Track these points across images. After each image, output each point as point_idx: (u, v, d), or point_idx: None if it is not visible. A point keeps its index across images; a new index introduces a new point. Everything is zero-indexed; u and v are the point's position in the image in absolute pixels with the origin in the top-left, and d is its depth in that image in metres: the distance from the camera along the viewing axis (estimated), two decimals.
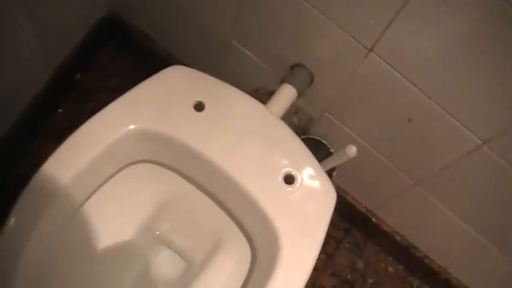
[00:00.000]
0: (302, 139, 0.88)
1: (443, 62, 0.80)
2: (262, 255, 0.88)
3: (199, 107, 0.85)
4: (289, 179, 0.84)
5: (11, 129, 1.18)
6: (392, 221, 1.34)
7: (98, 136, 0.79)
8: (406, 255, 1.38)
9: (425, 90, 0.87)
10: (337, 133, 1.12)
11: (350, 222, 1.46)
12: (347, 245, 1.46)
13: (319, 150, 1.13)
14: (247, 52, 1.11)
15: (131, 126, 0.81)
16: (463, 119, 0.87)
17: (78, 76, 1.37)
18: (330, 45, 0.94)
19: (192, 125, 0.83)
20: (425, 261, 1.35)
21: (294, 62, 1.02)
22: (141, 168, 0.93)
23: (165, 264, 1.04)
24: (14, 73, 1.10)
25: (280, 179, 0.83)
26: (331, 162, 0.96)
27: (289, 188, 0.83)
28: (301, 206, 0.82)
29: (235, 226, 0.96)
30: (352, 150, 0.89)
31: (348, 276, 1.43)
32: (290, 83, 0.99)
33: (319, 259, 1.36)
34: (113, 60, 1.43)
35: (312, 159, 0.87)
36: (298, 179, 0.84)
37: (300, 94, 1.00)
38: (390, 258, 1.47)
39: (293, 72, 1.02)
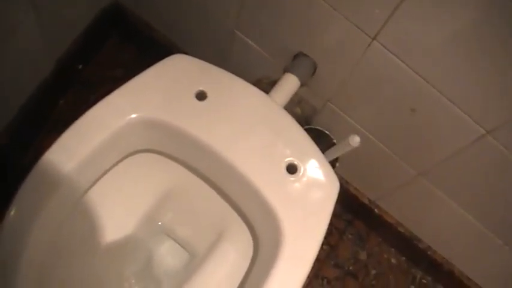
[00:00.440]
0: (305, 129, 0.88)
1: (447, 50, 0.80)
2: (264, 245, 0.88)
3: (201, 96, 0.84)
4: (292, 169, 0.83)
5: (13, 120, 1.18)
6: (395, 212, 1.34)
7: (100, 124, 0.79)
8: (409, 247, 1.38)
9: (428, 80, 0.87)
10: (340, 123, 1.11)
11: (353, 213, 1.46)
12: (350, 236, 1.46)
13: (322, 141, 1.13)
14: (250, 42, 1.11)
15: (133, 115, 0.81)
16: (467, 109, 0.87)
17: (80, 67, 1.36)
18: (332, 34, 0.93)
19: (194, 114, 0.83)
20: (428, 252, 1.35)
21: (296, 52, 1.02)
22: (143, 158, 0.93)
23: (168, 255, 1.04)
24: (16, 64, 1.10)
25: (283, 169, 0.83)
26: (334, 153, 0.96)
27: (292, 177, 0.83)
28: (304, 196, 0.82)
29: (237, 216, 0.96)
30: (355, 140, 0.88)
31: (351, 268, 1.43)
32: (293, 73, 0.99)
33: (322, 250, 1.37)
34: (116, 51, 1.43)
35: (315, 149, 0.86)
36: (301, 169, 0.84)
37: (302, 84, 1.00)
38: (393, 249, 1.47)
39: (296, 61, 1.02)
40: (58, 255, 0.83)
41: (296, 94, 1.00)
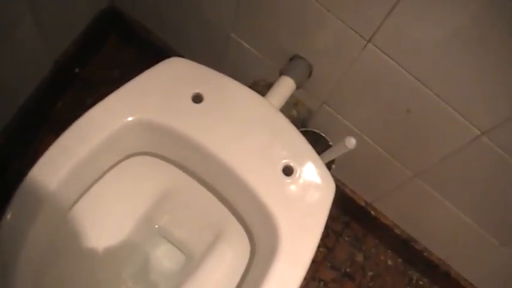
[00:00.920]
0: (301, 132, 0.88)
1: (442, 52, 0.80)
2: (261, 247, 0.88)
3: (197, 98, 0.84)
4: (288, 171, 0.84)
5: (12, 122, 1.18)
6: (391, 214, 1.34)
7: (98, 127, 0.79)
8: (405, 248, 1.38)
9: (424, 81, 0.87)
10: (336, 126, 1.12)
11: (349, 216, 1.46)
12: (346, 238, 1.46)
13: (318, 143, 1.13)
14: (246, 44, 1.11)
15: (131, 118, 0.81)
16: (462, 110, 0.87)
17: (77, 70, 1.36)
18: (328, 37, 0.93)
19: (190, 116, 0.83)
20: (425, 254, 1.35)
21: (292, 54, 1.02)
22: (140, 160, 0.93)
23: (164, 257, 1.04)
24: (14, 65, 1.10)
25: (279, 171, 0.83)
26: (330, 155, 0.96)
27: (288, 179, 0.83)
28: (301, 198, 0.82)
29: (234, 218, 0.96)
30: (351, 142, 0.89)
31: (348, 269, 1.43)
32: (289, 75, 0.99)
33: (318, 252, 1.38)
34: (113, 53, 1.43)
35: (311, 151, 0.87)
36: (298, 171, 0.84)
37: (298, 86, 1.00)
38: (390, 251, 1.47)
39: (292, 64, 1.02)
40: (55, 257, 0.83)
41: (292, 96, 1.00)
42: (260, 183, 0.82)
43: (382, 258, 1.46)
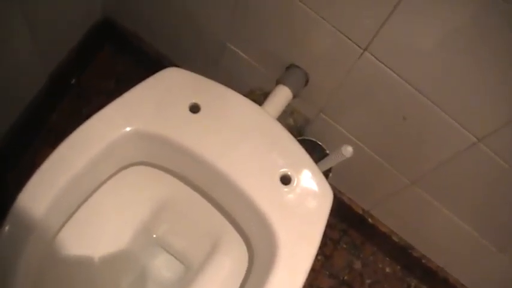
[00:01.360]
0: (298, 140, 0.88)
1: (438, 60, 0.81)
2: (259, 256, 0.88)
3: (194, 108, 0.85)
4: (286, 180, 0.84)
5: (7, 133, 1.18)
6: (389, 221, 1.34)
7: (94, 138, 0.79)
8: (403, 255, 1.38)
9: (420, 89, 0.87)
10: (333, 134, 1.12)
11: (347, 223, 1.46)
12: (344, 246, 1.46)
13: (315, 152, 1.13)
14: (242, 53, 1.11)
15: (127, 129, 0.81)
16: (458, 117, 0.88)
17: (73, 81, 1.36)
18: (324, 46, 0.94)
19: (188, 126, 0.83)
20: (423, 261, 1.35)
21: (289, 63, 1.03)
22: (137, 170, 0.93)
23: (163, 267, 1.03)
24: (9, 78, 1.09)
25: (277, 180, 0.83)
26: (327, 163, 0.96)
27: (286, 188, 0.83)
28: (298, 207, 0.82)
29: (232, 228, 0.96)
30: (348, 150, 0.89)
31: (346, 277, 1.43)
32: (285, 84, 0.99)
33: (316, 260, 1.37)
34: (108, 64, 1.43)
35: (309, 159, 0.87)
36: (295, 179, 0.84)
37: (295, 95, 1.00)
38: (388, 258, 1.47)
39: (288, 73, 1.02)
40: (54, 267, 0.83)
41: (289, 105, 1.00)
42: (258, 192, 0.82)
43: (380, 265, 1.46)
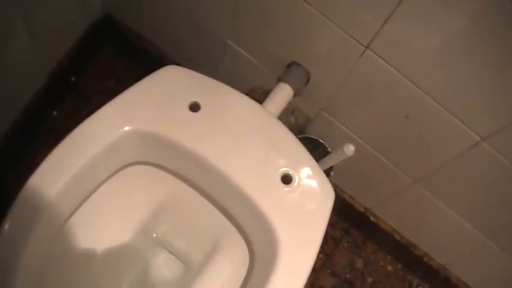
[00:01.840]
0: (299, 139, 0.88)
1: (441, 58, 0.80)
2: (260, 256, 0.87)
3: (194, 107, 0.84)
4: (286, 179, 0.83)
5: (7, 133, 1.18)
6: (391, 220, 1.34)
7: (93, 138, 0.79)
8: (405, 254, 1.38)
9: (422, 87, 0.87)
10: (334, 132, 1.11)
11: (349, 222, 1.46)
12: (346, 244, 1.45)
13: (317, 150, 1.13)
14: (243, 51, 1.11)
15: (126, 128, 0.80)
16: (461, 116, 0.87)
17: (73, 79, 1.36)
18: (326, 43, 0.93)
19: (188, 125, 0.83)
20: (425, 259, 1.35)
21: (290, 61, 1.02)
22: (137, 170, 0.92)
23: (163, 267, 1.03)
24: (8, 76, 1.09)
25: (278, 179, 0.83)
26: (328, 162, 0.96)
27: (286, 188, 0.82)
28: (299, 206, 0.82)
29: (233, 227, 0.95)
30: (350, 149, 0.88)
31: (347, 276, 1.42)
32: (286, 82, 0.98)
33: (318, 259, 1.37)
34: (108, 62, 1.43)
35: (310, 158, 0.86)
36: (296, 178, 0.83)
37: (296, 93, 0.99)
38: (389, 257, 1.47)
39: (289, 71, 1.02)
40: (54, 266, 0.83)
41: (290, 103, 1.00)
42: (258, 192, 0.81)
43: (382, 264, 1.46)
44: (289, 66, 1.03)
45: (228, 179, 0.82)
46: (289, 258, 0.78)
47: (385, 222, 1.35)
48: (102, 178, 0.87)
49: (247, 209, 0.82)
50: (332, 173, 1.12)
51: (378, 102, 0.97)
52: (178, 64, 0.91)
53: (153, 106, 0.83)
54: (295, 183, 0.83)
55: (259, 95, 1.12)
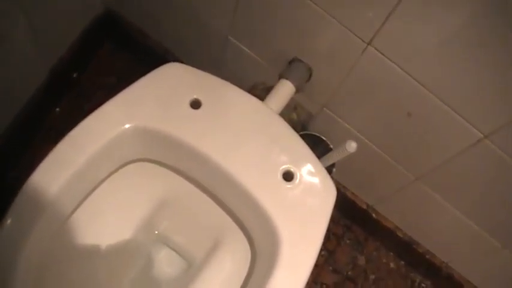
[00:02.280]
0: (301, 135, 0.88)
1: (443, 54, 0.80)
2: (262, 253, 0.87)
3: (195, 104, 0.84)
4: (288, 176, 0.83)
5: (8, 129, 1.18)
6: (393, 217, 1.33)
7: (94, 135, 0.79)
8: (407, 251, 1.38)
9: (424, 84, 0.86)
10: (336, 129, 1.11)
11: (351, 219, 1.45)
12: (348, 241, 1.45)
13: (319, 147, 1.12)
14: (244, 48, 1.10)
15: (128, 125, 0.80)
16: (464, 112, 0.87)
17: (75, 75, 1.36)
18: (328, 40, 0.93)
19: (189, 122, 0.82)
20: (427, 256, 1.35)
21: (291, 57, 1.02)
22: (139, 167, 0.92)
23: (165, 263, 1.03)
24: (9, 73, 1.09)
25: (280, 176, 0.82)
26: (330, 158, 0.96)
27: (288, 185, 0.82)
28: (301, 203, 0.82)
29: (234, 224, 0.95)
30: (352, 145, 0.88)
31: (350, 273, 1.42)
32: (288, 79, 0.98)
33: (320, 256, 1.37)
34: (110, 59, 1.43)
35: (311, 155, 0.86)
36: (298, 175, 0.83)
37: (298, 90, 0.99)
38: (391, 254, 1.46)
39: (291, 67, 1.01)
40: (55, 264, 0.83)
41: (292, 100, 0.99)
42: (260, 189, 0.81)
43: (384, 261, 1.46)
44: (291, 62, 1.02)
45: (229, 176, 0.81)
46: (291, 255, 0.78)
47: (387, 219, 1.34)
48: (104, 175, 0.86)
49: (249, 206, 0.82)
50: (334, 170, 1.12)
51: (380, 99, 0.97)
52: (180, 60, 0.91)
53: (154, 103, 0.82)
54: (297, 180, 0.83)
55: (261, 92, 1.12)
